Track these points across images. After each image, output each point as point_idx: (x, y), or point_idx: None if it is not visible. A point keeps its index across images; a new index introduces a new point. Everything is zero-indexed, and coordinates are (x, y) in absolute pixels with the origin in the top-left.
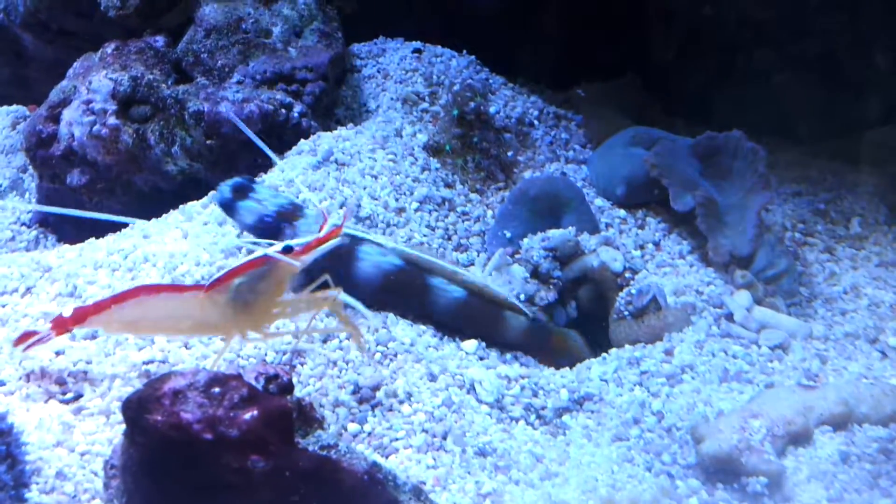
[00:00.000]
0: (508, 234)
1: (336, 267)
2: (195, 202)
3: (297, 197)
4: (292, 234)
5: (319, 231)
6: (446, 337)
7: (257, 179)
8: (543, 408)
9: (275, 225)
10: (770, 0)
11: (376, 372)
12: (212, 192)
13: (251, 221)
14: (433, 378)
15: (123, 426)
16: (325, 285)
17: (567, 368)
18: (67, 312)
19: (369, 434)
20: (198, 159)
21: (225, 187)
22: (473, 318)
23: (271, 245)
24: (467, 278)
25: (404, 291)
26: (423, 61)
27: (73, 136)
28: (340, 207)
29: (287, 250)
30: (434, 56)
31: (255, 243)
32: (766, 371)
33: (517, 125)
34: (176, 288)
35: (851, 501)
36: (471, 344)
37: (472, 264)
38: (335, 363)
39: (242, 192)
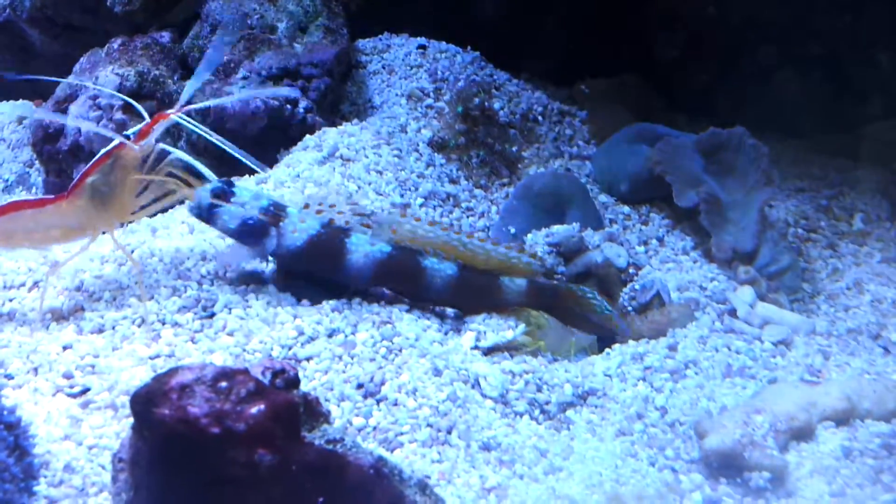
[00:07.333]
0: (513, 230)
1: (327, 261)
2: None
3: (303, 192)
4: (276, 234)
5: (153, 123)
6: (451, 332)
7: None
8: (547, 402)
9: (259, 227)
10: (774, 0)
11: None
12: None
13: (234, 226)
14: (438, 373)
15: (131, 420)
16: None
17: (571, 363)
18: None
19: (375, 428)
20: (203, 155)
21: (204, 192)
22: (471, 291)
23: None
24: (461, 241)
25: (398, 277)
26: (428, 57)
27: (80, 131)
28: (370, 215)
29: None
30: (439, 52)
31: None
32: (769, 366)
33: (521, 121)
34: (40, 202)
35: (854, 496)
36: (473, 336)
37: None
38: (340, 357)
39: (223, 196)
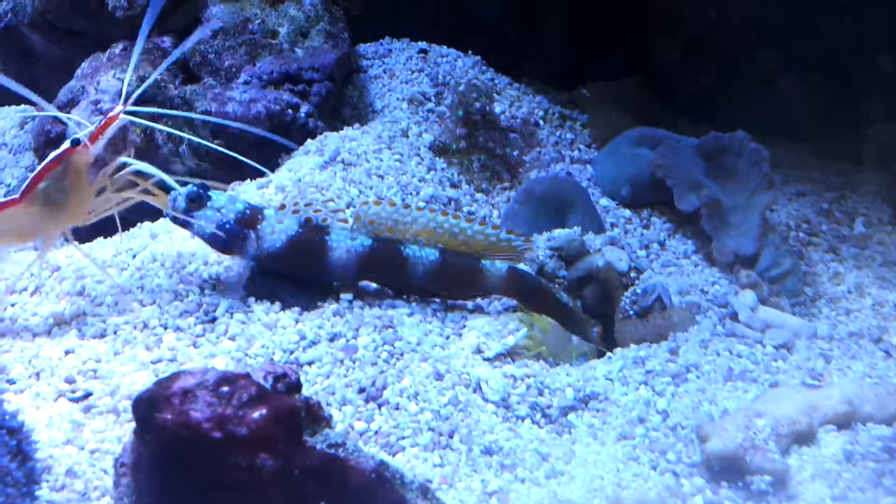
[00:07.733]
0: None
1: (309, 260)
2: None
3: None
4: (255, 238)
5: (104, 126)
6: (452, 336)
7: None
8: (549, 406)
9: (236, 231)
10: (774, 2)
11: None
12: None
13: (210, 231)
14: (439, 377)
15: (133, 424)
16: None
17: (572, 367)
18: None
19: (376, 432)
20: (205, 159)
21: (180, 197)
22: (453, 276)
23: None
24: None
25: (382, 269)
26: (429, 62)
27: None
28: (347, 207)
29: (76, 143)
30: (440, 56)
31: None
32: (771, 370)
33: (522, 125)
34: None
35: (855, 500)
36: (475, 343)
37: None
38: (342, 362)
39: (199, 200)
